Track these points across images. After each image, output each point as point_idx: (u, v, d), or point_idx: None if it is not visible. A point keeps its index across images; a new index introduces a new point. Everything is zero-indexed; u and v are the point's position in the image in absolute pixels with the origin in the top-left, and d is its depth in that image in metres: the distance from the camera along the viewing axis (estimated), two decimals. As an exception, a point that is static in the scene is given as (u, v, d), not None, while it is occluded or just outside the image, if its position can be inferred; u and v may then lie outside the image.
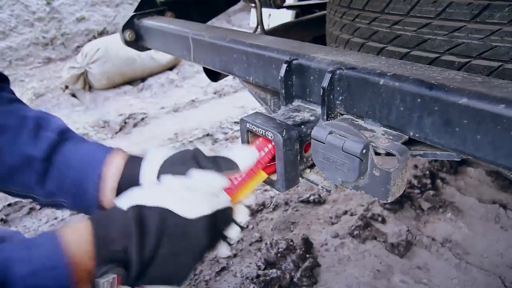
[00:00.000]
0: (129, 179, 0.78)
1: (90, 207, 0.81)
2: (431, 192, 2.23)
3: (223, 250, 0.72)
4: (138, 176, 0.78)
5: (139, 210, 0.61)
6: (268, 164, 0.74)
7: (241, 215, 0.74)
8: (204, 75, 1.61)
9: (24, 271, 0.53)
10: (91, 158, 0.81)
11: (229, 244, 0.72)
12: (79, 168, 0.80)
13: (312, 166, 0.75)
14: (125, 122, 3.44)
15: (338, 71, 0.67)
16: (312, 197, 2.25)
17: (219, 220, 0.66)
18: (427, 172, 2.40)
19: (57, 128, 0.84)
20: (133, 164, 0.80)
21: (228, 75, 1.23)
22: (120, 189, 0.78)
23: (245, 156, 0.71)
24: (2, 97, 0.87)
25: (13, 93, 0.93)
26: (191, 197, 0.65)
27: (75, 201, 0.82)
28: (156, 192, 0.66)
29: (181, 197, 0.64)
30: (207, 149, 0.88)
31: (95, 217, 0.63)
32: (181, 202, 0.63)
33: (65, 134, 0.84)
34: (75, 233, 0.60)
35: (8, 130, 0.81)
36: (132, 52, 3.92)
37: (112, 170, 0.80)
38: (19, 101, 0.90)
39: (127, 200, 0.64)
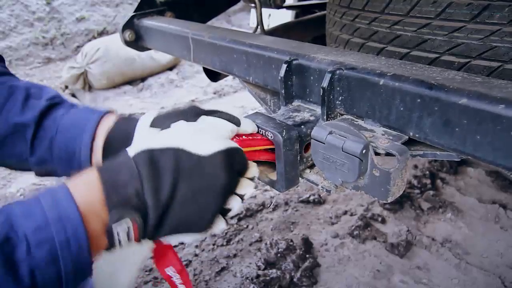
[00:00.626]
0: (123, 136, 0.75)
1: (82, 163, 0.77)
2: (431, 192, 2.23)
3: (236, 205, 0.64)
4: (132, 133, 0.75)
5: (150, 153, 0.56)
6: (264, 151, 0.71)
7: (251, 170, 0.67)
8: (204, 75, 1.61)
9: (30, 225, 0.48)
10: (82, 120, 0.78)
11: (242, 199, 0.66)
12: (70, 131, 0.77)
13: (312, 166, 0.75)
14: (125, 122, 3.44)
15: (338, 71, 0.67)
16: (312, 197, 2.26)
17: (233, 158, 0.61)
18: (427, 172, 2.40)
19: (48, 95, 0.82)
20: (127, 121, 0.78)
21: (228, 75, 1.23)
22: (113, 147, 0.76)
23: (246, 120, 0.69)
24: None
25: (6, 68, 0.90)
26: (202, 136, 0.60)
27: (66, 166, 0.79)
28: (163, 135, 0.61)
29: (191, 137, 0.60)
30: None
31: (101, 165, 0.58)
32: (192, 140, 0.59)
33: (55, 99, 0.82)
34: (81, 182, 0.55)
35: (2, 96, 0.79)
36: (132, 52, 3.92)
37: (105, 130, 0.77)
38: (10, 74, 0.88)
39: (134, 147, 0.58)
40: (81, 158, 0.77)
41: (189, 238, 0.61)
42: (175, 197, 0.56)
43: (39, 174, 0.83)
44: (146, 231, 0.55)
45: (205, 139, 0.60)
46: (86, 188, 0.54)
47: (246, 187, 0.65)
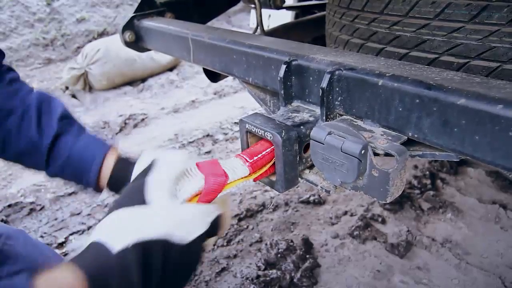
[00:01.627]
0: (121, 179, 0.89)
1: (90, 187, 0.95)
2: (431, 192, 2.23)
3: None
4: (129, 177, 0.80)
5: (136, 252, 0.54)
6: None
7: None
8: (204, 75, 1.61)
9: None
10: (90, 153, 0.92)
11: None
12: (80, 161, 0.91)
13: (311, 166, 0.75)
14: (125, 123, 3.44)
15: (337, 72, 0.67)
16: (312, 198, 2.26)
17: (211, 230, 0.63)
18: (427, 172, 2.40)
19: (58, 115, 0.93)
20: (125, 164, 0.91)
21: (228, 76, 1.23)
22: (113, 183, 0.92)
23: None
24: (4, 78, 0.93)
25: (12, 69, 0.98)
26: (185, 217, 0.59)
27: (77, 183, 0.96)
28: (147, 219, 0.58)
29: (175, 222, 0.58)
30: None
31: (87, 265, 0.54)
32: (176, 228, 0.57)
33: (65, 123, 0.94)
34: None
35: (14, 113, 0.90)
36: (132, 53, 3.92)
37: (108, 168, 0.92)
38: (18, 80, 0.96)
39: (119, 235, 0.55)
40: (89, 185, 0.93)
41: None
42: None
43: (51, 177, 0.99)
44: None
45: (189, 222, 0.59)
46: None
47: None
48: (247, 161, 0.69)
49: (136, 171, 0.76)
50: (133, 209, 0.58)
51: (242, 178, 0.68)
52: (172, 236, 0.56)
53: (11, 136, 0.90)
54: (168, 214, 0.58)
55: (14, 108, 0.90)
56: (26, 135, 0.90)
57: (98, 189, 0.95)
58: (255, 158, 0.69)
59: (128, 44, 1.43)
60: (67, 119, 0.95)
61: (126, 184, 0.75)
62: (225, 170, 0.66)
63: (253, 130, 0.71)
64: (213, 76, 1.61)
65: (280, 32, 1.79)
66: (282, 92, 0.79)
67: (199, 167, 0.67)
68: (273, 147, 0.70)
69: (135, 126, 3.44)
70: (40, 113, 0.92)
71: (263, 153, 0.71)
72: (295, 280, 1.70)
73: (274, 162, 0.72)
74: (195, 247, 0.60)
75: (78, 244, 2.07)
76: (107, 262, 0.53)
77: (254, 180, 0.71)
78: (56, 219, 2.28)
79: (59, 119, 0.93)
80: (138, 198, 0.59)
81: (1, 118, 0.90)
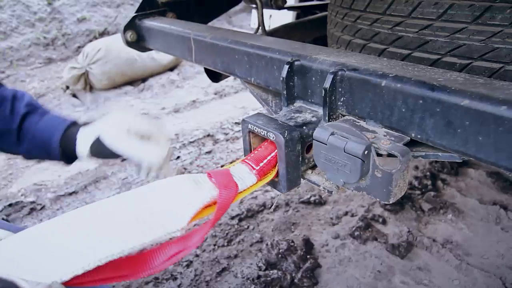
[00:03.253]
0: (68, 146, 1.04)
1: (56, 160, 1.08)
2: (432, 193, 2.23)
3: None
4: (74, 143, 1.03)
5: None
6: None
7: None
8: (205, 75, 1.61)
9: None
10: (52, 128, 1.06)
11: None
12: (42, 136, 1.06)
13: (313, 167, 0.75)
14: (126, 123, 3.44)
15: (340, 72, 0.67)
16: (312, 198, 2.26)
17: None
18: (428, 173, 2.40)
19: (26, 101, 1.10)
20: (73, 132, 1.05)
21: (229, 76, 1.23)
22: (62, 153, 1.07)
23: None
24: None
25: None
26: None
27: (46, 157, 1.09)
28: None
29: None
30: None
31: None
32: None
33: (31, 106, 1.09)
34: None
35: None
36: (133, 52, 3.94)
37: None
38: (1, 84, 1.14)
39: None
40: (55, 156, 1.07)
41: None
42: None
43: (27, 159, 1.15)
44: None
45: None
46: None
47: None
48: (254, 168, 0.68)
49: (79, 147, 1.02)
50: None
51: (250, 187, 0.67)
52: None
53: None
54: None
55: None
56: (2, 119, 1.06)
57: (68, 162, 1.09)
58: (261, 164, 0.69)
59: (129, 43, 1.43)
60: (33, 105, 1.11)
61: (72, 151, 1.03)
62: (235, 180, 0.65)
63: (256, 130, 0.71)
64: (215, 76, 1.61)
65: (281, 32, 1.78)
66: (285, 92, 0.79)
67: (211, 176, 0.65)
68: (277, 150, 0.70)
69: (136, 125, 3.43)
70: (14, 101, 1.08)
71: (269, 157, 0.70)
72: (295, 280, 1.70)
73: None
74: None
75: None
76: None
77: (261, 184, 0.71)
78: (56, 218, 2.28)
79: (26, 104, 1.09)
80: None
81: None
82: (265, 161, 0.69)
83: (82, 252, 0.53)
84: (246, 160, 0.70)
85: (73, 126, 1.08)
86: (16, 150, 1.10)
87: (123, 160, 1.02)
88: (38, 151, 1.08)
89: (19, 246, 0.54)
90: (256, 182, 0.68)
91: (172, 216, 0.60)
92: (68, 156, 1.07)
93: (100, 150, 1.01)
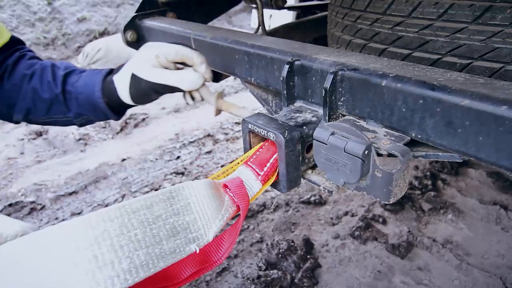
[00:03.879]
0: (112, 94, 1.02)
1: (106, 115, 1.07)
2: (432, 193, 2.23)
3: None
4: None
5: None
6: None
7: None
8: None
9: None
10: (91, 83, 1.04)
11: None
12: (85, 91, 1.05)
13: (314, 167, 0.75)
14: (126, 123, 3.44)
15: (340, 72, 0.67)
16: (313, 198, 2.26)
17: None
18: (428, 173, 2.40)
19: (64, 66, 1.11)
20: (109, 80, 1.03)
21: (229, 76, 1.23)
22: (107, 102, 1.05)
23: None
24: (26, 54, 1.15)
25: (32, 51, 1.20)
26: None
27: (95, 115, 1.08)
28: None
29: None
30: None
31: None
32: None
33: (68, 69, 1.10)
34: None
35: (35, 74, 1.09)
36: (133, 52, 3.92)
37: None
38: (36, 57, 1.18)
39: None
40: (102, 110, 1.05)
41: None
42: None
43: (80, 125, 1.13)
44: None
45: None
46: None
47: None
48: (259, 174, 0.67)
49: (120, 93, 1.00)
50: None
51: (256, 194, 0.67)
52: None
53: (38, 93, 1.08)
54: None
55: (34, 71, 1.09)
56: (47, 88, 1.07)
57: (117, 116, 1.09)
58: (265, 169, 0.68)
59: (129, 43, 1.43)
60: (70, 67, 1.12)
61: (123, 105, 1.04)
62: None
63: (256, 130, 0.71)
64: (215, 76, 1.61)
65: (281, 32, 1.79)
66: (285, 92, 0.79)
67: (227, 188, 0.63)
68: (277, 150, 0.70)
69: (136, 126, 3.44)
70: (53, 69, 1.10)
71: (271, 160, 0.69)
72: (296, 280, 1.70)
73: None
74: None
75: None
76: None
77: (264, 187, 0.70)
78: (56, 218, 2.28)
79: (64, 68, 1.11)
80: None
81: (27, 81, 1.08)
82: (268, 164, 0.69)
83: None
84: (249, 164, 0.69)
85: (109, 74, 1.06)
86: (69, 118, 1.10)
87: (164, 92, 0.99)
88: (86, 111, 1.07)
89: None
90: (261, 189, 0.68)
91: (199, 235, 0.54)
92: (116, 107, 1.05)
93: (138, 89, 0.98)
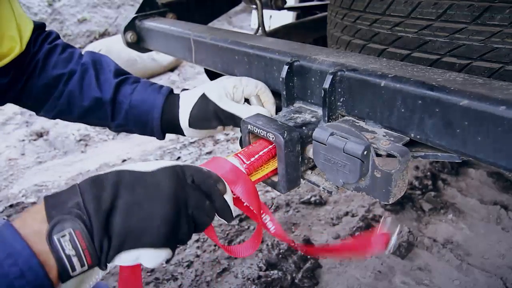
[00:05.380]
0: (171, 121, 0.97)
1: (154, 135, 1.01)
2: (432, 193, 2.23)
3: (202, 217, 0.61)
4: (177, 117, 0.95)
5: (93, 176, 0.57)
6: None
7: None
8: (205, 76, 1.61)
9: None
10: (150, 97, 0.98)
11: (212, 213, 0.63)
12: (141, 106, 0.98)
13: (313, 167, 0.75)
14: (126, 123, 3.44)
15: (339, 73, 0.67)
16: (313, 198, 2.26)
17: (183, 171, 0.61)
18: (428, 173, 2.40)
19: (113, 69, 1.02)
20: (172, 105, 0.97)
21: (229, 77, 1.23)
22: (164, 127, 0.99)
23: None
24: (58, 45, 1.05)
25: (60, 38, 1.10)
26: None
27: (141, 130, 1.02)
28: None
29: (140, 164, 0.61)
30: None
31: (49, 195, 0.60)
32: (138, 164, 0.61)
33: (121, 75, 1.02)
34: (27, 215, 0.54)
35: (73, 75, 1.00)
36: (134, 53, 3.94)
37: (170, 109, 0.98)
38: (69, 46, 1.07)
39: None
40: (154, 128, 0.99)
41: (147, 256, 0.56)
42: (117, 204, 0.55)
43: (117, 131, 1.10)
44: (94, 243, 0.52)
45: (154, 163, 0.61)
46: (32, 218, 0.53)
47: (216, 199, 0.62)
48: (244, 162, 0.69)
49: (182, 111, 0.93)
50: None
51: None
52: (129, 167, 0.60)
53: (75, 96, 1.00)
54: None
55: (72, 71, 1.00)
56: (88, 93, 0.99)
57: (163, 136, 1.02)
58: (252, 159, 0.70)
59: (130, 44, 1.43)
60: (121, 72, 1.04)
61: (175, 126, 0.95)
62: None
63: (255, 131, 0.72)
64: (215, 77, 1.61)
65: (281, 33, 1.79)
66: (284, 93, 0.79)
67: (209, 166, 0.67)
68: (270, 146, 0.71)
69: (136, 126, 3.44)
70: (97, 70, 1.01)
71: (260, 153, 0.71)
72: (296, 280, 1.70)
73: (274, 167, 0.72)
74: (159, 175, 0.59)
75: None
76: (66, 189, 0.58)
77: (255, 182, 0.71)
78: (57, 219, 2.28)
79: (114, 73, 1.02)
80: None
81: (64, 82, 1.00)
82: (256, 156, 0.70)
83: None
84: (238, 154, 0.71)
85: (171, 93, 0.99)
86: (108, 124, 1.03)
87: (225, 123, 0.92)
88: (133, 124, 1.00)
89: None
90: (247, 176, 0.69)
91: None
92: (166, 126, 0.99)
93: (201, 110, 0.90)
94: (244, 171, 0.67)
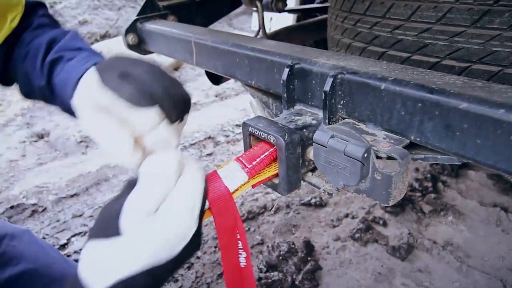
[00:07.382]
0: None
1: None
2: (432, 195, 2.23)
3: None
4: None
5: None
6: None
7: None
8: (205, 78, 1.61)
9: None
10: (68, 77, 0.85)
11: None
12: (62, 89, 0.86)
13: (314, 169, 0.76)
14: (127, 125, 3.45)
15: (340, 76, 0.68)
16: (313, 200, 2.26)
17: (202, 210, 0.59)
18: (429, 175, 2.40)
19: (57, 48, 0.92)
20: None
21: (229, 79, 1.23)
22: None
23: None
24: (31, 23, 0.98)
25: (45, 16, 1.01)
26: (166, 233, 0.53)
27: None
28: (125, 253, 0.51)
29: (155, 245, 0.52)
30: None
31: None
32: (160, 249, 0.52)
33: (59, 53, 0.91)
34: None
35: (29, 55, 0.93)
36: (134, 55, 3.93)
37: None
38: (45, 25, 0.99)
39: (99, 275, 0.51)
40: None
41: None
42: None
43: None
44: None
45: (172, 240, 0.53)
46: None
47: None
48: (246, 166, 0.69)
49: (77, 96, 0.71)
50: (108, 242, 0.52)
51: (242, 185, 0.68)
52: (158, 259, 0.52)
53: (31, 80, 0.94)
54: (147, 240, 0.51)
55: (28, 50, 0.94)
56: (38, 73, 0.92)
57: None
58: (253, 163, 0.69)
59: (130, 46, 1.44)
60: (61, 49, 0.92)
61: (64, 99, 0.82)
62: (225, 180, 0.66)
63: (256, 133, 0.72)
64: (215, 79, 1.62)
65: (282, 35, 1.79)
66: (285, 95, 0.80)
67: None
68: (272, 149, 0.71)
69: (137, 128, 3.44)
70: (49, 46, 0.93)
71: (262, 156, 0.71)
72: (296, 282, 1.71)
73: (275, 170, 0.72)
74: (191, 246, 0.55)
75: (80, 246, 2.07)
76: None
77: (253, 186, 0.71)
78: (58, 220, 2.28)
79: (56, 50, 0.91)
80: (111, 227, 0.52)
81: (21, 62, 0.94)
82: (258, 159, 0.70)
83: None
84: (239, 158, 0.71)
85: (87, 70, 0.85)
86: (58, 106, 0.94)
87: None
88: (67, 107, 0.86)
89: None
90: (249, 180, 0.69)
91: None
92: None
93: None
94: (246, 176, 0.68)
